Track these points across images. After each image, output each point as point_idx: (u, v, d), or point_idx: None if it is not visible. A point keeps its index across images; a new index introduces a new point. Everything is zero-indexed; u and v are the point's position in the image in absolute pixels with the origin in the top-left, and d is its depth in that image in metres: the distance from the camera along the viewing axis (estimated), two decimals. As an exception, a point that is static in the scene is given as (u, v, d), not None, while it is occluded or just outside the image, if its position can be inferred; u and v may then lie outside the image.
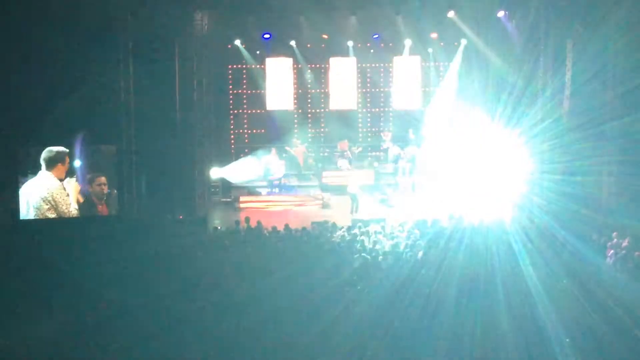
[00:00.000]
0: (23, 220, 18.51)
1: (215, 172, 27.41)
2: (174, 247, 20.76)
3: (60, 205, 13.56)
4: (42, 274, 19.24)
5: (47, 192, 13.26)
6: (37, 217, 14.56)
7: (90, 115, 22.20)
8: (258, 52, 29.91)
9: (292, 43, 29.61)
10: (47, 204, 13.71)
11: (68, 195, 14.09)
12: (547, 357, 15.17)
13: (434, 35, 30.40)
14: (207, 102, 27.55)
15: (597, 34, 24.45)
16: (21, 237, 21.30)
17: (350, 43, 30.03)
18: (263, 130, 30.72)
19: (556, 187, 24.83)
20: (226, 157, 29.32)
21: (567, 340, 15.59)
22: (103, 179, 15.97)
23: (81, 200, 14.85)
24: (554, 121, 25.23)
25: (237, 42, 28.94)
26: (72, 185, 14.36)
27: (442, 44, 30.71)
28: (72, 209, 13.95)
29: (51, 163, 14.21)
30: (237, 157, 30.17)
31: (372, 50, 30.78)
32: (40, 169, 14.24)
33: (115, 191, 18.49)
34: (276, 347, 15.69)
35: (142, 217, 23.55)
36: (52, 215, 14.42)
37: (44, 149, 17.12)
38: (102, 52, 22.46)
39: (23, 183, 14.15)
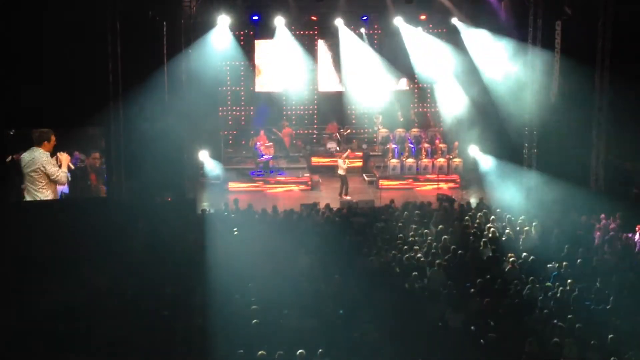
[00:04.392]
0: (12, 202, 20.27)
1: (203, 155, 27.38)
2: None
3: (50, 174, 16.59)
4: (31, 255, 19.31)
5: (38, 162, 16.39)
6: (34, 185, 17.40)
7: (78, 97, 22.09)
8: (246, 33, 29.75)
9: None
10: (38, 173, 16.73)
11: (57, 163, 17.05)
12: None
13: (423, 16, 30.28)
14: (196, 84, 27.38)
15: (585, 15, 24.47)
16: (10, 218, 21.51)
17: (338, 24, 29.88)
18: (252, 113, 30.61)
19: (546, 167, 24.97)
20: (215, 139, 29.19)
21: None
22: (97, 155, 19.14)
23: (72, 167, 18.03)
24: (543, 102, 25.32)
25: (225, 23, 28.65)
26: (64, 157, 17.55)
27: (430, 25, 30.63)
28: (61, 173, 17.16)
29: (39, 140, 17.32)
30: (225, 140, 30.07)
31: (360, 32, 30.62)
32: (33, 145, 17.56)
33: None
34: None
35: (131, 199, 23.53)
36: (43, 181, 17.29)
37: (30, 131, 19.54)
38: (90, 33, 22.28)
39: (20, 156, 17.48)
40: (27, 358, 14.98)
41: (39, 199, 17.97)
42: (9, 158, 18.14)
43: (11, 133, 18.77)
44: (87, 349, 14.93)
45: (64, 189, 18.30)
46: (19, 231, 20.50)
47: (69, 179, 17.68)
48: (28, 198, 17.79)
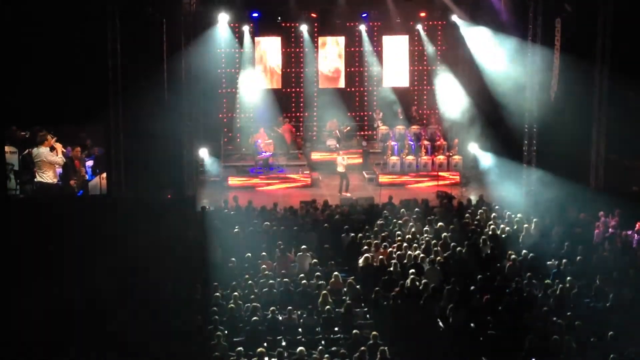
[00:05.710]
0: (11, 195, 22.84)
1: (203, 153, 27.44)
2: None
3: (51, 162, 22.42)
4: (29, 249, 19.36)
5: (42, 156, 22.46)
6: (40, 170, 22.51)
7: (78, 94, 22.12)
8: (247, 30, 29.70)
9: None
10: (42, 162, 22.41)
11: (54, 152, 22.52)
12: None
13: (422, 14, 30.26)
14: (196, 81, 27.37)
15: (585, 12, 24.46)
16: (9, 211, 21.61)
17: (338, 22, 29.86)
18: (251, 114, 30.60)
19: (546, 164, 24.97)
20: (215, 136, 29.18)
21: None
22: (78, 148, 23.57)
23: (64, 151, 22.85)
24: (543, 100, 25.29)
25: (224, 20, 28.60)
26: (59, 146, 22.63)
27: (430, 22, 30.60)
28: (58, 158, 22.58)
29: (41, 141, 22.45)
30: (227, 136, 30.05)
31: (360, 29, 30.57)
32: (38, 144, 22.58)
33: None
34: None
35: (131, 196, 23.54)
36: (45, 167, 22.48)
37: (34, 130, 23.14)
38: (90, 31, 22.28)
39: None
40: (27, 357, 15.02)
41: (44, 180, 22.60)
42: (26, 151, 22.79)
43: (26, 135, 23.04)
44: (87, 348, 14.95)
45: (59, 170, 22.94)
46: (18, 228, 20.61)
47: (64, 160, 22.72)
48: (37, 178, 22.61)
